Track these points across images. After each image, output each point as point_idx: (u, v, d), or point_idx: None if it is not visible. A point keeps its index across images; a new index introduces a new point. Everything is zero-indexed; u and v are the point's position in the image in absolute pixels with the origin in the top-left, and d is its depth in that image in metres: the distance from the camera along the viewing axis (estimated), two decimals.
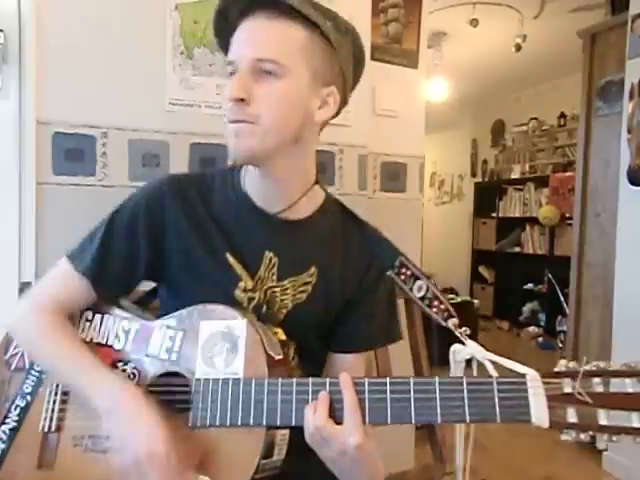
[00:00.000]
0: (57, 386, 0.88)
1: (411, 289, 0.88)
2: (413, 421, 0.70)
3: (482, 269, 6.07)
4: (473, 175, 6.53)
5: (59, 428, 0.86)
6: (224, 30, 0.85)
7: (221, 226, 0.90)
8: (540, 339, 4.89)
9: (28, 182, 1.37)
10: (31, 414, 0.88)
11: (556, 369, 0.66)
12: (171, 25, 1.50)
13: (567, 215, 4.56)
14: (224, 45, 0.87)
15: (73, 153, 1.41)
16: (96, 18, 1.42)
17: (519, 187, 5.52)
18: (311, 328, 0.93)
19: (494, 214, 5.86)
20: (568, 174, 4.66)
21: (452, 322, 0.83)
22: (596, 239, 2.69)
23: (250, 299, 0.89)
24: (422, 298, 0.87)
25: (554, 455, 2.60)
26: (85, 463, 0.83)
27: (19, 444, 0.87)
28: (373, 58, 1.94)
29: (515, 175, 5.63)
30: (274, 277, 0.90)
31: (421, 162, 2.16)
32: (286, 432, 0.79)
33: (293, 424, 0.74)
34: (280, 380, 0.76)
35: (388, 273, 0.90)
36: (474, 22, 3.62)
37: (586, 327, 2.76)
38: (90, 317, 0.93)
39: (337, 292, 0.93)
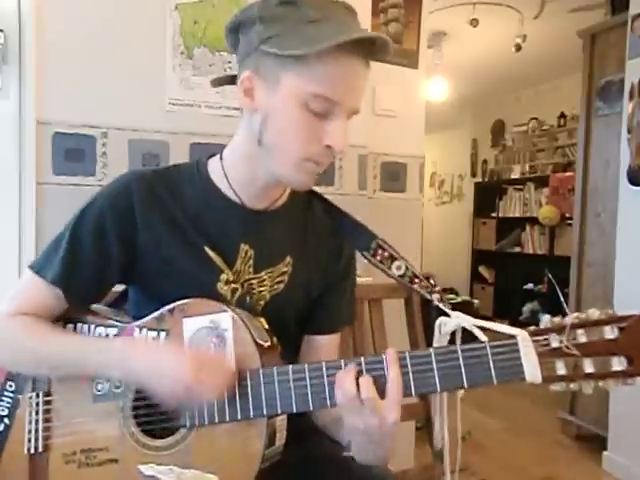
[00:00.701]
0: (37, 405, 0.84)
1: (389, 268, 0.89)
2: (414, 394, 0.71)
3: (482, 269, 6.07)
4: (473, 175, 6.52)
5: (46, 448, 0.83)
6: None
7: (195, 220, 0.87)
8: None
9: (28, 182, 1.37)
10: (12, 437, 0.84)
11: (542, 325, 0.69)
12: (171, 25, 1.50)
13: (567, 215, 4.56)
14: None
15: (73, 153, 1.41)
16: (96, 18, 1.42)
17: (519, 187, 5.52)
18: (290, 317, 0.93)
19: (494, 214, 5.85)
20: (568, 174, 4.65)
21: (435, 297, 0.85)
22: (596, 239, 2.68)
23: (234, 290, 0.87)
24: (402, 276, 0.88)
25: (554, 455, 2.60)
26: (82, 479, 0.81)
27: (2, 471, 0.84)
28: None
29: (515, 175, 5.62)
30: (251, 269, 0.89)
31: (421, 162, 2.16)
32: (284, 416, 0.79)
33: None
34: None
35: (364, 254, 0.91)
36: (474, 22, 3.62)
37: None
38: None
39: (314, 278, 0.93)
